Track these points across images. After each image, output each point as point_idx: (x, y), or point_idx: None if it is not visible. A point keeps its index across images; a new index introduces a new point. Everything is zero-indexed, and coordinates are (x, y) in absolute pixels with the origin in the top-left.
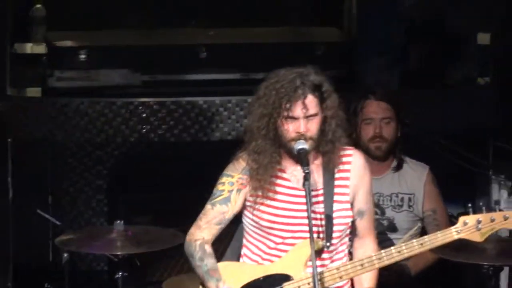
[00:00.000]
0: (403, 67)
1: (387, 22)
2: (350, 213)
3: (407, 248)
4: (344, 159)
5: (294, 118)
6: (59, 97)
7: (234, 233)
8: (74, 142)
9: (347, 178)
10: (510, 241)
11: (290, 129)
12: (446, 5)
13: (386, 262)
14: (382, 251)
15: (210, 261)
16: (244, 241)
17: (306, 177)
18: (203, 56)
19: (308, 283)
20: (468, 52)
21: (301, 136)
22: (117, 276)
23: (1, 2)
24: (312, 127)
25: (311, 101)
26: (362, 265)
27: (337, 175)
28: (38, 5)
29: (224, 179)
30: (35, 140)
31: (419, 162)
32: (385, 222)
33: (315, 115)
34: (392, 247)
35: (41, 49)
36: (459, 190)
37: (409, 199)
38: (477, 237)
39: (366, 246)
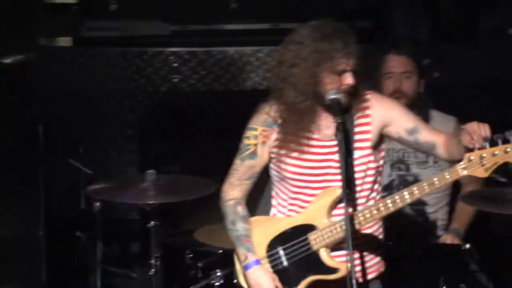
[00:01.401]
0: (432, 18)
1: None
2: (372, 158)
3: (418, 188)
4: (364, 105)
5: (343, 72)
6: (90, 46)
7: (266, 185)
8: (105, 91)
9: (367, 124)
10: None
11: (336, 82)
12: None
13: (400, 204)
14: (395, 194)
15: (242, 226)
16: (273, 193)
17: (339, 128)
18: (234, 6)
19: (331, 231)
20: (500, 2)
21: (344, 89)
22: (149, 225)
23: None
24: (353, 81)
25: (354, 55)
26: (378, 209)
27: (357, 121)
28: None
29: (248, 133)
30: (66, 90)
31: (446, 115)
32: (410, 179)
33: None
34: (403, 190)
35: None
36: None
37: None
38: (482, 173)
39: (449, 141)
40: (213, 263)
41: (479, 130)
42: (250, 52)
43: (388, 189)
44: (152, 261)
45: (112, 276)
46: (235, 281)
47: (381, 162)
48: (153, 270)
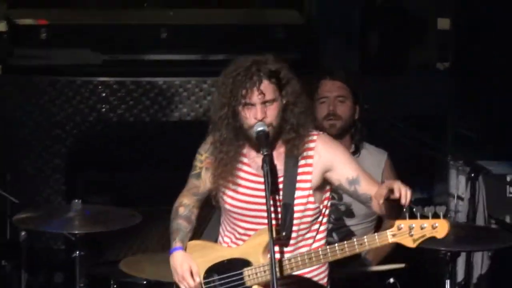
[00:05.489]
0: (363, 52)
1: (345, 4)
2: (311, 199)
3: (349, 246)
4: (309, 145)
5: (251, 105)
6: (19, 75)
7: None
8: (33, 121)
9: (310, 165)
10: (466, 228)
11: (248, 116)
12: None
13: (330, 258)
14: (327, 247)
15: (176, 222)
16: (221, 220)
17: (265, 160)
18: (163, 36)
19: (264, 271)
20: (428, 37)
21: (259, 122)
22: (74, 255)
23: None
24: (271, 113)
25: (267, 87)
26: (310, 258)
27: (301, 162)
28: None
29: (197, 156)
30: None
31: (377, 148)
32: (342, 208)
33: (272, 100)
34: (336, 244)
35: (1, 26)
36: (418, 176)
37: None
38: (409, 243)
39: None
40: None
41: (405, 191)
42: (178, 83)
43: None
44: None
45: None
46: None
47: (325, 202)
48: None
